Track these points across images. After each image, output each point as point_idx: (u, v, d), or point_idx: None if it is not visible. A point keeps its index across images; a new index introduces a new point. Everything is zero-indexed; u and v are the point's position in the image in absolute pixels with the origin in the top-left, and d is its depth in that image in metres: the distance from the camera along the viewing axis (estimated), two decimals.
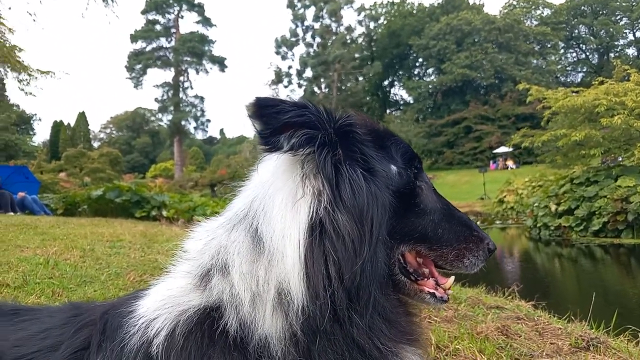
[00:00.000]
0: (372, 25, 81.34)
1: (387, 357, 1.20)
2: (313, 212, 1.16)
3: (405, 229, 1.34)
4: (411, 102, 77.97)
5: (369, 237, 1.17)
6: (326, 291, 1.12)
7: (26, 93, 19.89)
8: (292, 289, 1.12)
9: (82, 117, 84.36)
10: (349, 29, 78.17)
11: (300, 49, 77.49)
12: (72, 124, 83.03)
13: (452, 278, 1.49)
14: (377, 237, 1.20)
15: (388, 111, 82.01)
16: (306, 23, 76.37)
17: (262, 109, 1.16)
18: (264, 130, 1.17)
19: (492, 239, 1.47)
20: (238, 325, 1.16)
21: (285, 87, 76.58)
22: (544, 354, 2.98)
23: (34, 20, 18.25)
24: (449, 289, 1.47)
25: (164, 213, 15.13)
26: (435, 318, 3.62)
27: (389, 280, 1.31)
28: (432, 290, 1.41)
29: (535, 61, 71.33)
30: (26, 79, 19.42)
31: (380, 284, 1.22)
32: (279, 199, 1.20)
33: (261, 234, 1.18)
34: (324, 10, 74.65)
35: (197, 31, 70.15)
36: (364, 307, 1.16)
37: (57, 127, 79.94)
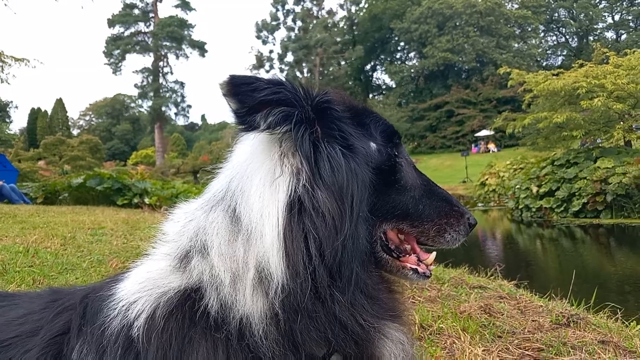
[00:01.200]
0: (353, 9, 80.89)
1: (370, 334, 1.20)
2: (292, 190, 1.14)
3: (386, 206, 1.33)
4: (393, 86, 77.93)
5: (349, 214, 1.16)
6: (306, 269, 1.11)
7: (1, 80, 19.45)
8: (272, 267, 1.11)
9: (59, 103, 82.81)
10: (331, 13, 77.87)
11: (281, 33, 77.28)
12: (49, 111, 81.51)
13: (434, 254, 1.49)
14: (358, 213, 1.19)
15: (371, 95, 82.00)
16: (287, 7, 75.81)
17: (237, 87, 1.14)
18: (239, 109, 1.15)
19: (472, 214, 1.48)
20: (219, 306, 1.15)
21: (267, 71, 76.09)
22: (526, 330, 3.03)
23: (5, 5, 17.72)
24: (431, 264, 1.47)
25: (146, 200, 15.00)
26: (419, 298, 3.65)
27: (370, 258, 1.30)
28: (414, 266, 1.41)
29: (516, 45, 71.66)
30: (0, 66, 18.98)
31: (362, 260, 1.21)
32: (257, 178, 1.19)
33: (239, 213, 1.17)
34: None
35: (177, 15, 68.90)
36: (345, 284, 1.16)
37: (35, 114, 78.40)
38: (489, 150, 53.33)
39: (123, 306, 1.21)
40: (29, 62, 19.61)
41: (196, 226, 1.25)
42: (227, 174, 1.29)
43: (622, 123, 17.12)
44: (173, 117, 74.03)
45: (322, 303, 1.14)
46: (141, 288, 1.23)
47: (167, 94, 70.43)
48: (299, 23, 75.05)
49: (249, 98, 1.13)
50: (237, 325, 1.13)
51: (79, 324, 1.26)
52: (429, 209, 1.42)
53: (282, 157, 1.18)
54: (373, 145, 1.33)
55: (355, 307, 1.18)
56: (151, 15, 69.12)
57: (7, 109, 68.98)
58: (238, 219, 1.17)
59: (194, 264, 1.20)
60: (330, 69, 75.80)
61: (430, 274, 1.46)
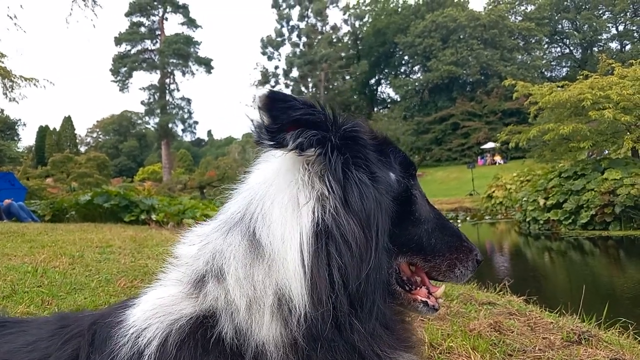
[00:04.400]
0: (357, 24, 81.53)
1: None
2: (318, 216, 1.13)
3: (402, 238, 1.33)
4: (398, 100, 78.20)
5: (374, 244, 1.15)
6: (329, 297, 1.10)
7: (10, 99, 19.68)
8: (294, 294, 1.10)
9: (67, 121, 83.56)
10: (335, 28, 78.30)
11: (286, 49, 77.46)
12: (57, 129, 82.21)
13: (443, 286, 1.49)
14: (382, 244, 1.19)
15: (375, 109, 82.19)
16: (292, 23, 76.36)
17: (274, 103, 1.12)
18: (271, 124, 1.13)
19: (479, 251, 1.48)
20: (233, 333, 1.13)
21: (272, 87, 76.12)
22: (537, 349, 2.99)
23: (15, 24, 18.04)
24: (439, 297, 1.47)
25: (154, 217, 15.01)
26: (425, 317, 3.62)
27: (387, 289, 1.30)
28: (424, 299, 1.41)
29: (520, 57, 71.91)
30: (9, 85, 19.23)
31: (383, 291, 1.21)
32: (279, 201, 1.18)
33: (260, 237, 1.15)
34: (309, 10, 74.66)
35: (183, 33, 69.61)
36: (367, 314, 1.15)
37: (43, 132, 79.11)
38: (495, 163, 53.26)
39: (133, 333, 1.19)
40: (38, 82, 19.85)
41: (213, 249, 1.23)
42: (245, 195, 1.27)
43: (629, 134, 17.05)
44: (180, 133, 74.45)
45: (341, 332, 1.13)
46: (152, 315, 1.22)
47: (174, 111, 70.83)
48: (303, 39, 75.54)
49: (284, 115, 1.12)
50: (252, 353, 1.12)
51: (87, 351, 1.25)
52: (441, 244, 1.41)
53: (308, 182, 1.17)
54: (393, 175, 1.34)
55: (374, 338, 1.17)
56: (157, 33, 69.85)
57: (16, 127, 69.62)
58: (258, 243, 1.15)
59: (209, 289, 1.19)
60: (335, 83, 76.11)
61: (439, 307, 1.45)
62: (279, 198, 1.18)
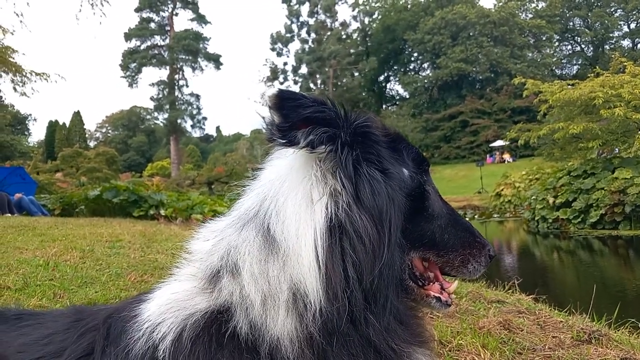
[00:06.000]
0: (366, 20, 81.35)
1: (402, 358, 1.20)
2: (331, 212, 1.14)
3: (415, 234, 1.33)
4: (407, 97, 78.04)
5: (387, 240, 1.16)
6: (344, 292, 1.11)
7: (20, 94, 19.84)
8: (309, 290, 1.11)
9: (77, 116, 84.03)
10: (344, 25, 78.18)
11: (295, 45, 77.75)
12: (67, 124, 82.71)
13: (456, 282, 1.50)
14: (395, 239, 1.20)
15: (384, 106, 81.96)
16: (301, 19, 76.30)
17: (284, 102, 1.14)
18: (282, 123, 1.14)
19: (492, 246, 1.49)
20: (248, 328, 1.14)
21: (281, 83, 76.37)
22: (547, 347, 2.98)
23: (21, 22, 18.21)
24: (452, 292, 1.47)
25: (162, 212, 15.07)
26: (437, 313, 3.61)
27: (401, 284, 1.30)
28: (437, 295, 1.42)
29: (530, 54, 71.46)
30: (20, 81, 19.38)
31: (396, 286, 1.22)
32: (293, 198, 1.18)
33: (274, 233, 1.16)
34: (319, 6, 74.55)
35: (192, 29, 69.73)
36: (381, 309, 1.16)
37: (53, 126, 79.64)
38: (504, 161, 52.98)
39: (148, 327, 1.20)
40: (49, 76, 20.00)
41: (227, 245, 1.24)
42: (258, 192, 1.28)
43: None
44: (188, 129, 74.63)
45: (356, 327, 1.15)
46: (167, 309, 1.23)
47: (183, 107, 70.97)
48: (312, 35, 75.43)
49: (294, 114, 1.13)
50: (267, 347, 1.13)
51: (102, 345, 1.26)
52: (454, 239, 1.42)
53: (321, 178, 1.18)
54: (406, 171, 1.34)
55: (388, 332, 1.18)
56: (167, 28, 70.00)
57: (26, 122, 70.22)
58: (273, 239, 1.16)
59: (223, 284, 1.20)
60: (344, 80, 75.91)
61: (452, 302, 1.46)
62: (293, 194, 1.19)
